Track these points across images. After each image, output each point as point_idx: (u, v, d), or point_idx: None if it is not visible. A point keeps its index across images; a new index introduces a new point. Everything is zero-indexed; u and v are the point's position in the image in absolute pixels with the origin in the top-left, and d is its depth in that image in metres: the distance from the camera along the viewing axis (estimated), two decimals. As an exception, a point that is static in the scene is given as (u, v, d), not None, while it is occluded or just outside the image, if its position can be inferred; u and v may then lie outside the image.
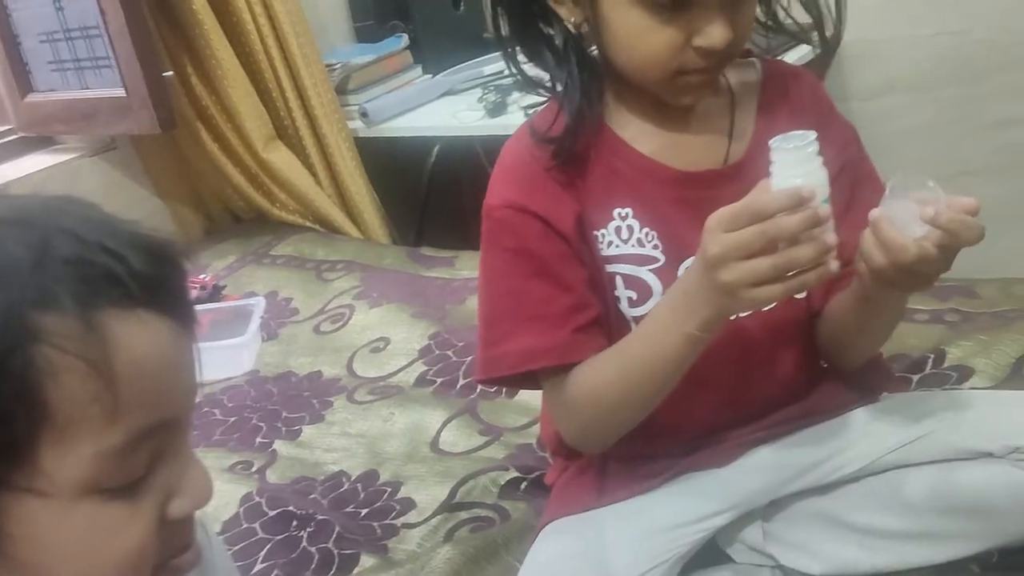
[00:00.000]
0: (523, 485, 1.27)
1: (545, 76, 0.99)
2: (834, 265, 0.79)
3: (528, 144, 0.97)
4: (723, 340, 0.95)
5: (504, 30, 0.98)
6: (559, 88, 0.97)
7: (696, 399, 0.98)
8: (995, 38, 1.89)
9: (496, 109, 2.20)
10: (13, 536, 0.48)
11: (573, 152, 0.95)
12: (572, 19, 0.93)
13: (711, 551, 1.03)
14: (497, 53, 2.40)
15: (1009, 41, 1.88)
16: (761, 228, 0.79)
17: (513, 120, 2.06)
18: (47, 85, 2.14)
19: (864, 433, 1.01)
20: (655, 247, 0.96)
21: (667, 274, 0.96)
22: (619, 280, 0.97)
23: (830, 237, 0.79)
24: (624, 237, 0.96)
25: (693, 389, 0.95)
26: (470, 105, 2.26)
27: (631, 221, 0.96)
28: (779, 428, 1.03)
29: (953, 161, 2.03)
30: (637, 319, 0.97)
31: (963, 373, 1.25)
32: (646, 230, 0.96)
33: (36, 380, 0.46)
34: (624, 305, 0.97)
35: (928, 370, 1.27)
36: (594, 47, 0.96)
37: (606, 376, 0.93)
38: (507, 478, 1.28)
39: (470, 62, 2.46)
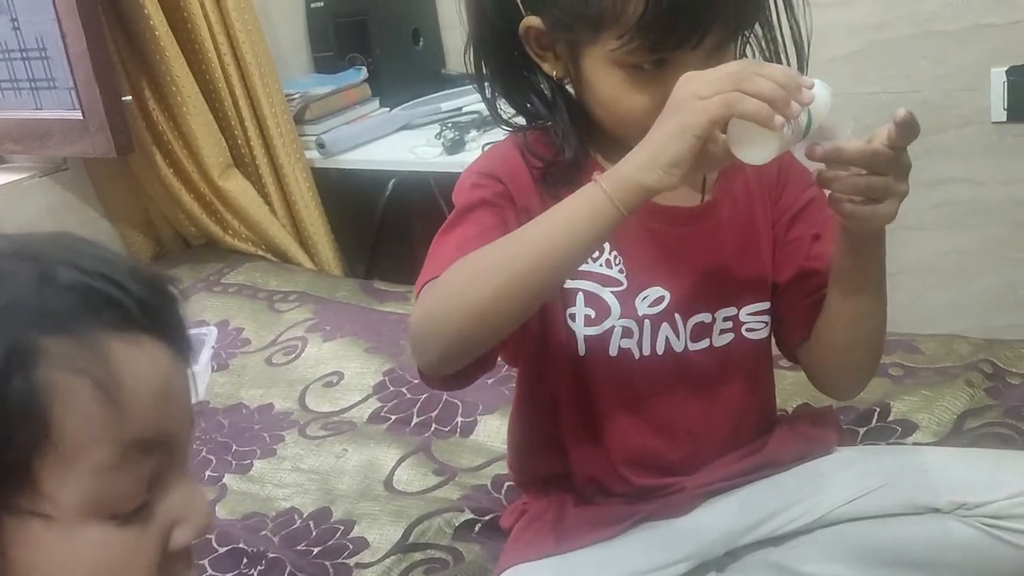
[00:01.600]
0: (477, 527, 1.27)
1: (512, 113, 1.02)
2: (778, 121, 0.76)
3: (517, 148, 0.99)
4: (674, 374, 0.99)
5: (485, 72, 1.00)
6: (547, 123, 0.99)
7: (650, 437, 1.02)
8: (934, 99, 1.97)
9: (454, 146, 2.22)
10: (16, 562, 0.47)
11: (558, 173, 0.96)
12: (554, 73, 0.96)
13: (667, 600, 1.05)
14: (455, 89, 2.47)
15: (946, 103, 1.96)
16: (736, 67, 0.78)
17: (471, 157, 2.06)
18: (0, 103, 2.10)
19: (817, 486, 1.04)
20: (620, 271, 0.99)
21: (627, 299, 0.98)
22: (580, 296, 0.98)
23: (794, 104, 0.77)
24: (594, 256, 0.97)
25: (646, 426, 0.98)
26: (428, 140, 2.28)
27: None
28: (735, 480, 1.06)
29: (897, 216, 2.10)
30: (589, 338, 0.99)
31: (907, 427, 1.30)
32: (615, 253, 0.99)
33: (39, 402, 0.46)
34: (579, 323, 0.98)
35: (874, 423, 1.32)
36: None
37: (497, 243, 0.86)
38: (462, 519, 1.28)
39: (428, 97, 2.49)
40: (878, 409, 1.33)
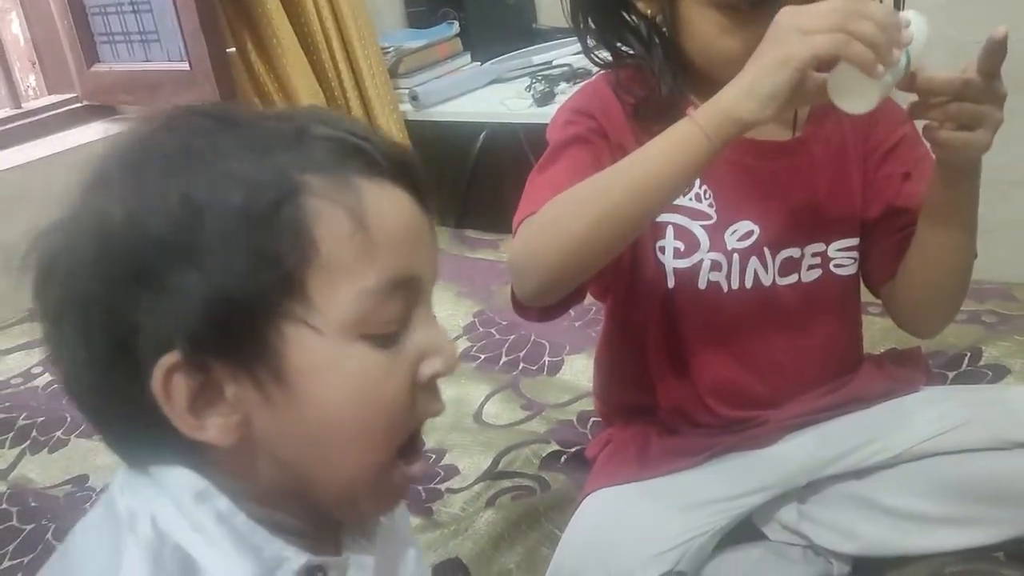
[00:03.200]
0: (563, 458, 1.31)
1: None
2: (880, 70, 0.77)
3: (610, 85, 1.01)
4: (762, 309, 1.01)
5: (580, 11, 1.02)
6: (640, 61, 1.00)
7: (737, 371, 1.04)
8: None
9: (544, 98, 2.24)
10: (292, 364, 0.54)
11: (651, 108, 0.98)
12: (649, 12, 0.98)
13: (746, 528, 1.08)
14: (546, 43, 2.47)
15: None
16: (840, 3, 0.78)
17: (561, 109, 2.10)
18: (113, 56, 2.20)
19: (902, 421, 1.05)
20: (710, 205, 1.01)
21: (716, 232, 1.00)
22: (670, 229, 1.00)
23: (895, 51, 0.78)
24: (685, 190, 1.00)
25: (732, 360, 1.00)
26: (518, 93, 2.30)
27: None
28: (819, 414, 1.07)
29: (995, 169, 2.05)
30: (678, 271, 1.01)
31: (998, 372, 1.28)
32: (705, 187, 1.00)
33: (305, 223, 0.53)
34: (668, 255, 1.01)
35: (964, 367, 1.31)
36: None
37: (593, 178, 0.89)
38: (548, 451, 1.32)
39: (518, 51, 2.50)
40: (969, 354, 1.33)
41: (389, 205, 0.56)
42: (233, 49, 2.07)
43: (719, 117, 0.81)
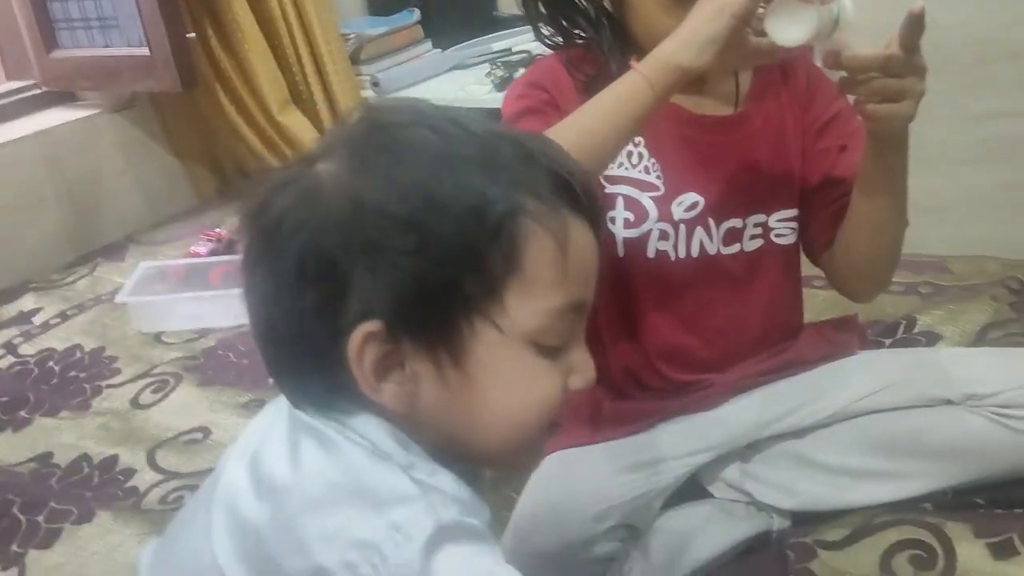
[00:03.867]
0: (521, 428, 1.36)
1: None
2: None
3: (560, 61, 1.06)
4: (707, 277, 1.06)
5: (534, 5, 1.07)
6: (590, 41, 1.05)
7: (684, 335, 1.09)
8: (980, 32, 1.97)
9: (503, 84, 2.28)
10: (472, 354, 0.61)
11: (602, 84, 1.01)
12: None
13: (693, 487, 1.13)
14: (505, 31, 2.51)
15: (993, 36, 1.97)
16: None
17: (520, 95, 2.14)
18: (72, 42, 2.21)
19: (838, 383, 1.11)
20: (658, 177, 1.06)
21: (664, 203, 1.05)
22: (620, 200, 1.06)
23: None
24: (634, 162, 1.05)
25: (679, 324, 1.05)
26: (478, 79, 2.34)
27: (642, 149, 1.05)
28: (762, 377, 1.13)
29: (938, 149, 2.12)
30: (628, 240, 1.06)
31: (931, 338, 1.35)
32: (653, 160, 1.05)
33: (519, 240, 0.60)
34: (619, 225, 1.06)
35: (900, 335, 1.38)
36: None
37: (548, 132, 0.91)
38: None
39: (479, 38, 2.53)
40: (904, 322, 1.39)
41: (582, 239, 0.63)
42: (193, 35, 2.09)
43: (660, 66, 0.87)
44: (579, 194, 0.63)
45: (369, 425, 0.62)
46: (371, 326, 0.59)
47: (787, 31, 0.87)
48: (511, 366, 0.62)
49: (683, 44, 0.86)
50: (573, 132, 0.90)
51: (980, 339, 1.32)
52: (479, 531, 0.62)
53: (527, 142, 0.64)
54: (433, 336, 0.60)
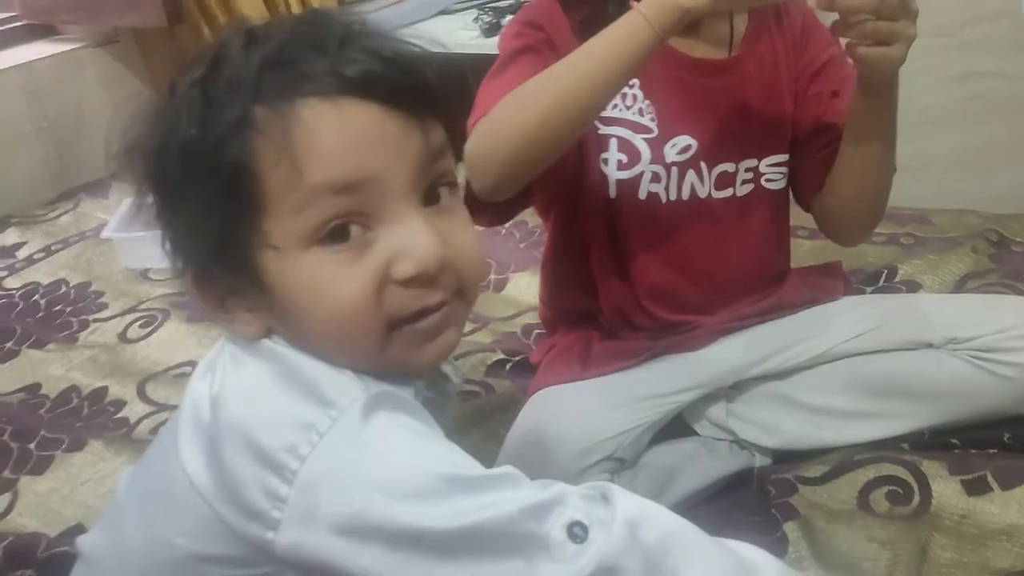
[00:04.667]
0: (508, 366, 1.39)
1: None
2: None
3: (557, 3, 1.05)
4: (697, 220, 1.08)
5: None
6: None
7: (673, 276, 1.11)
8: (965, -8, 1.99)
9: (491, 30, 2.27)
10: (268, 285, 0.62)
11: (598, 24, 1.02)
12: None
13: (678, 424, 1.16)
14: (493, -26, 2.49)
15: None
16: None
17: (507, 41, 2.13)
18: (53, -27, 2.17)
19: (823, 326, 1.14)
20: (651, 119, 1.07)
21: (657, 146, 1.07)
22: (613, 142, 1.07)
23: None
24: (628, 104, 1.06)
25: (668, 266, 1.07)
26: (465, 25, 2.32)
27: (636, 91, 1.06)
28: (748, 320, 1.15)
29: (919, 110, 2.14)
30: (620, 182, 1.07)
31: (911, 287, 1.39)
32: (647, 102, 1.06)
33: (248, 157, 0.60)
34: (611, 167, 1.07)
35: (881, 283, 1.41)
36: None
37: (543, 73, 0.94)
38: (494, 359, 1.39)
39: (467, -18, 2.52)
40: (886, 271, 1.42)
41: (329, 120, 0.60)
42: (179, -32, 2.06)
43: (661, 6, 0.88)
44: (326, 80, 0.60)
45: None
46: (190, 272, 0.64)
47: None
48: (302, 276, 0.61)
49: None
50: (573, 73, 0.91)
51: (959, 288, 1.36)
52: (413, 405, 0.65)
53: (293, 41, 0.62)
54: (233, 271, 0.63)
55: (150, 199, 0.64)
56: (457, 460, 0.61)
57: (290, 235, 0.61)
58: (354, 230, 0.61)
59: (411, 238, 0.62)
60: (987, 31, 2.01)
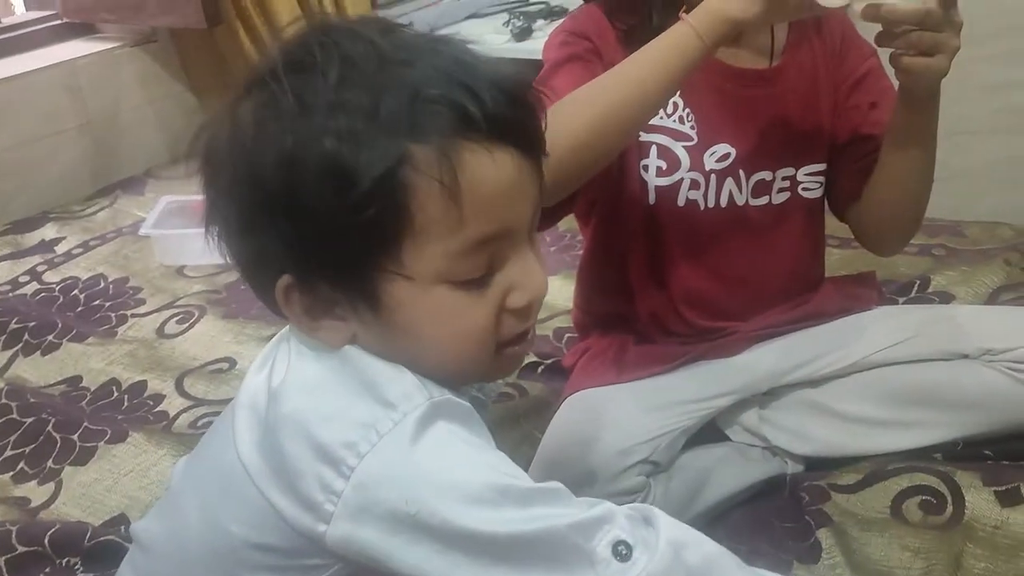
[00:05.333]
0: (540, 368, 1.40)
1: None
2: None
3: (602, 10, 1.07)
4: (734, 227, 1.09)
5: None
6: None
7: (709, 283, 1.12)
8: (999, 2, 1.99)
9: (522, 34, 2.29)
10: (390, 307, 0.63)
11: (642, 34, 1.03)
12: None
13: (712, 431, 1.17)
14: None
15: (1012, 7, 1.98)
16: None
17: (538, 46, 2.13)
18: (96, -27, 2.21)
19: (857, 335, 1.15)
20: (692, 127, 1.08)
21: (696, 153, 1.08)
22: (653, 149, 1.08)
23: None
24: (669, 111, 1.07)
25: (705, 272, 1.08)
26: (496, 29, 2.35)
27: (677, 99, 1.07)
28: (783, 327, 1.17)
29: (951, 120, 2.14)
30: (659, 188, 1.09)
31: (944, 298, 1.39)
32: (688, 110, 1.08)
33: (399, 194, 0.60)
34: (651, 173, 1.09)
35: (914, 294, 1.42)
36: None
37: (594, 81, 0.96)
38: (527, 361, 1.41)
39: (497, -13, 2.55)
40: (918, 282, 1.43)
41: (488, 169, 0.61)
42: (219, -29, 2.09)
43: (710, 17, 0.89)
44: (480, 122, 0.60)
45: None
46: (285, 280, 0.64)
47: None
48: (430, 306, 0.63)
49: None
50: (622, 82, 0.93)
51: (992, 301, 1.36)
52: (471, 415, 0.66)
53: (426, 71, 0.61)
54: (345, 287, 0.63)
55: (220, 200, 0.64)
56: (510, 471, 0.63)
57: (429, 270, 0.62)
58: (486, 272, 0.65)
59: (528, 273, 0.65)
60: (1019, 42, 2.01)
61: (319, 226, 0.60)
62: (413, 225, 0.61)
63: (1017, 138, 2.08)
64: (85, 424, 1.35)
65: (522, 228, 0.65)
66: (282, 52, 0.64)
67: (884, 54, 1.12)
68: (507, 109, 0.62)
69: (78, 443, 1.32)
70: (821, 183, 1.14)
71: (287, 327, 0.71)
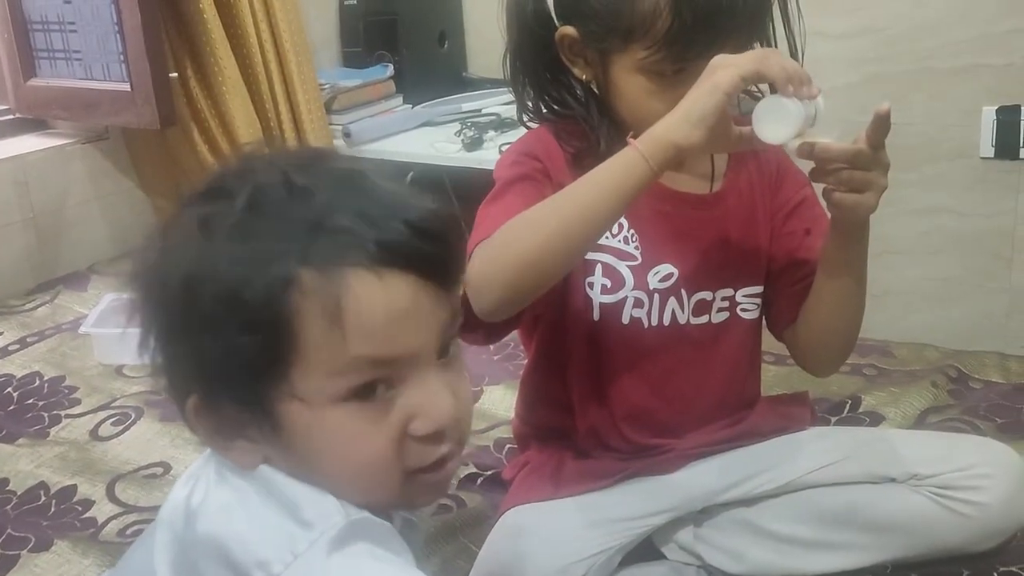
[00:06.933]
0: (479, 480, 1.40)
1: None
2: (808, 91, 0.92)
3: (552, 133, 1.11)
4: (675, 344, 1.13)
5: (520, 73, 1.13)
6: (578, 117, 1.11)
7: (649, 399, 1.15)
8: (928, 132, 2.10)
9: (473, 144, 2.34)
10: (290, 430, 0.64)
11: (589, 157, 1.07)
12: (584, 76, 1.09)
13: (647, 549, 1.18)
14: (476, 92, 2.59)
15: (939, 137, 2.09)
16: (763, 51, 0.95)
17: (488, 155, 2.20)
18: (52, 71, 2.23)
19: (789, 455, 1.17)
20: (636, 247, 1.12)
21: (640, 273, 1.11)
22: (599, 267, 1.11)
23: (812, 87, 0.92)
24: (614, 232, 1.10)
25: (645, 388, 1.11)
26: (448, 138, 2.39)
27: (622, 220, 1.10)
28: (719, 445, 1.19)
29: (879, 240, 2.23)
30: (604, 305, 1.11)
31: (875, 419, 1.43)
32: (632, 231, 1.11)
33: (287, 318, 0.61)
34: (596, 291, 1.11)
35: (846, 413, 1.45)
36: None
37: (543, 202, 0.98)
38: (465, 472, 1.41)
39: (450, 97, 2.61)
40: (850, 401, 1.47)
41: (376, 294, 0.62)
42: (175, 73, 2.12)
43: (656, 143, 0.93)
44: (377, 252, 0.62)
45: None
46: (191, 400, 0.65)
47: (773, 131, 0.94)
48: (326, 430, 0.63)
49: (678, 122, 0.92)
50: (572, 203, 0.96)
51: (920, 422, 1.40)
52: (391, 534, 0.66)
53: (331, 201, 0.63)
54: (250, 409, 0.64)
55: (144, 315, 0.66)
56: None
57: (319, 392, 0.63)
58: (379, 389, 0.64)
59: (430, 398, 0.65)
60: (947, 169, 2.12)
61: (216, 346, 0.62)
62: (298, 347, 0.61)
63: (941, 260, 2.16)
64: (9, 530, 1.31)
65: (420, 352, 0.65)
66: (206, 180, 0.67)
67: (818, 185, 1.19)
68: (404, 236, 0.63)
69: (0, 550, 1.27)
70: (758, 304, 1.18)
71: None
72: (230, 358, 0.62)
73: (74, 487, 1.43)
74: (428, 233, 0.64)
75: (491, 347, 1.80)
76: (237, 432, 0.66)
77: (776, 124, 0.93)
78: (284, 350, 0.62)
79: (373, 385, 0.64)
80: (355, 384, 0.63)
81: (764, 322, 1.21)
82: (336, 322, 0.61)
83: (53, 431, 1.60)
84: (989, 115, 2.03)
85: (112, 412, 1.65)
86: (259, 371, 0.63)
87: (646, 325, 1.13)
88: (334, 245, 0.62)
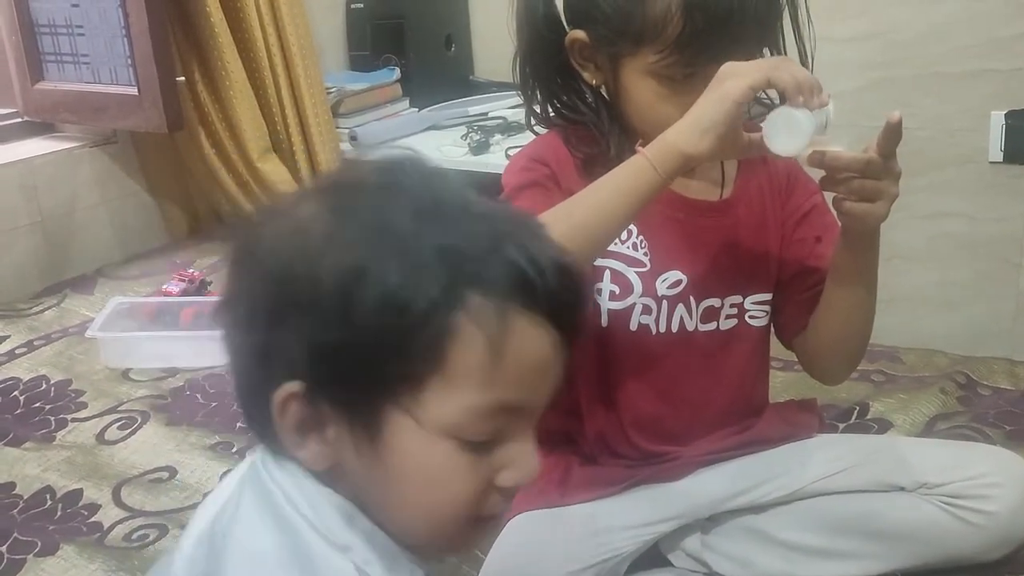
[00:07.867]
0: (487, 487, 1.39)
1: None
2: (819, 100, 0.91)
3: (561, 138, 1.11)
4: (683, 351, 1.12)
5: (530, 77, 1.13)
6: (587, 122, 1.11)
7: (657, 406, 1.14)
8: (936, 137, 2.09)
9: (479, 148, 2.34)
10: (388, 443, 0.61)
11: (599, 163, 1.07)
12: (594, 81, 1.09)
13: (654, 556, 1.17)
14: (482, 95, 2.58)
15: (948, 142, 2.09)
16: (774, 59, 0.95)
17: (495, 159, 2.20)
18: (59, 75, 2.24)
19: (797, 463, 1.17)
20: (645, 254, 1.11)
21: (649, 279, 1.11)
22: (607, 273, 1.10)
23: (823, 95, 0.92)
24: (623, 238, 1.10)
25: (653, 394, 1.10)
26: (454, 141, 2.40)
27: (631, 227, 1.10)
28: (726, 453, 1.18)
29: (889, 246, 2.22)
30: (612, 312, 1.11)
31: (883, 426, 1.42)
32: (641, 238, 1.11)
33: (444, 336, 0.59)
34: (604, 297, 1.11)
35: (853, 420, 1.45)
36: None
37: (553, 207, 0.98)
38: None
39: (456, 101, 2.61)
40: (858, 408, 1.46)
41: (532, 342, 0.61)
42: (183, 77, 2.13)
43: (665, 151, 0.93)
44: (541, 298, 0.61)
45: (319, 495, 0.63)
46: (293, 386, 0.60)
47: (784, 144, 0.93)
48: (425, 458, 0.61)
49: (687, 130, 0.92)
50: (583, 209, 0.96)
51: (929, 429, 1.40)
52: None
53: (506, 230, 0.62)
54: (351, 411, 0.61)
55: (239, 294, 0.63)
56: None
57: (440, 419, 0.60)
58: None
59: (524, 454, 0.64)
60: (955, 174, 2.11)
61: (355, 343, 0.59)
62: (444, 369, 0.59)
63: (950, 265, 2.15)
64: (15, 535, 1.31)
65: (538, 408, 0.64)
66: (370, 169, 0.64)
67: (828, 193, 1.18)
68: (558, 287, 0.62)
69: (6, 555, 1.28)
70: (767, 312, 1.17)
71: (249, 464, 0.68)
72: (364, 357, 0.59)
73: (80, 491, 1.43)
74: (573, 288, 0.64)
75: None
76: (319, 430, 0.62)
77: (787, 137, 0.93)
78: (426, 367, 0.59)
79: (490, 440, 0.62)
80: (481, 430, 0.61)
81: (772, 329, 1.20)
82: (496, 359, 0.59)
83: (59, 435, 1.60)
84: (998, 119, 2.02)
85: (119, 416, 1.65)
86: (388, 378, 0.60)
87: (654, 331, 1.12)
88: (507, 279, 0.60)
